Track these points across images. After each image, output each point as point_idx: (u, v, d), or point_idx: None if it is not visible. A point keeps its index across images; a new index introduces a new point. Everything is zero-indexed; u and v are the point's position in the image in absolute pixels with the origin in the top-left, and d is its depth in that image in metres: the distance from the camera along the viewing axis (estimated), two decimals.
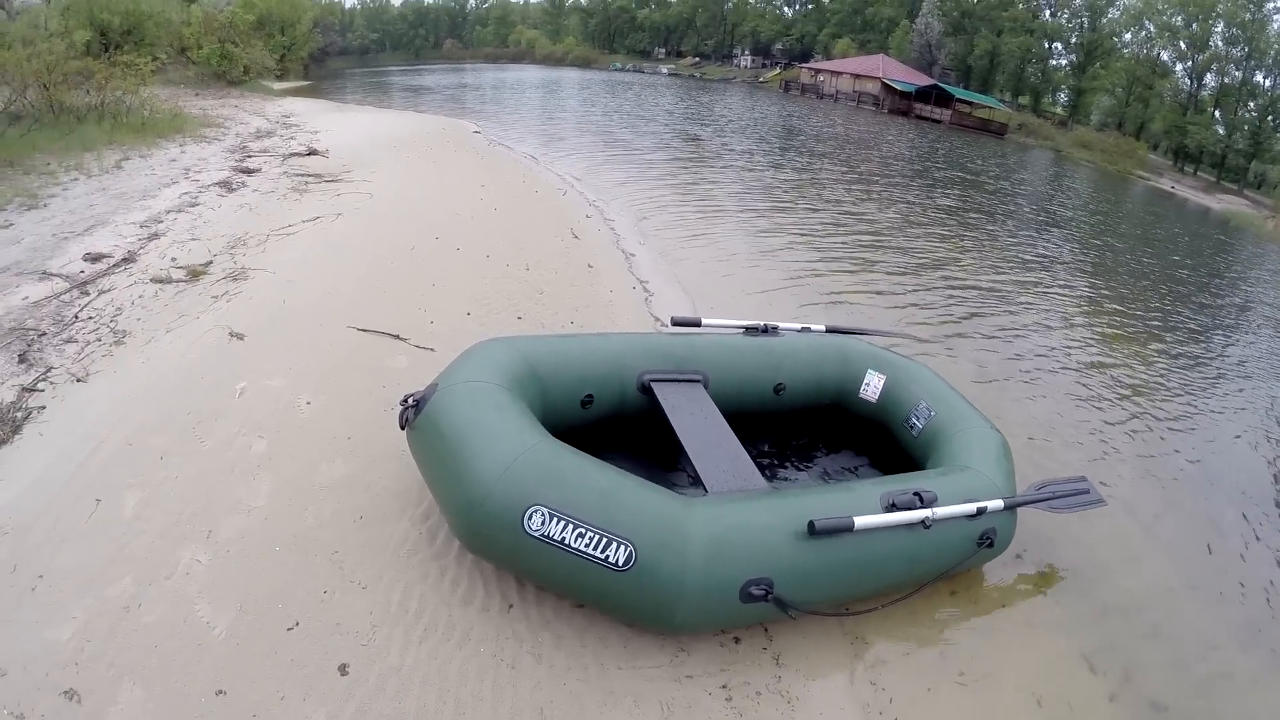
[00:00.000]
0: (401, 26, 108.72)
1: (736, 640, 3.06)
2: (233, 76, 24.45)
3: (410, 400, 3.10)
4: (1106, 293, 11.00)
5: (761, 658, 3.02)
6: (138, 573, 2.81)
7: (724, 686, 2.84)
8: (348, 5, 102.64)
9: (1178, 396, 7.07)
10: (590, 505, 2.62)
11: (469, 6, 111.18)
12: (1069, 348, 7.87)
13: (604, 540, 2.57)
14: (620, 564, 2.57)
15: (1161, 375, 7.59)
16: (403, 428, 3.10)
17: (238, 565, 2.91)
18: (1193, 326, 10.02)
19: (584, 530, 2.58)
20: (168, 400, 3.96)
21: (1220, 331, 10.34)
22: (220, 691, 2.43)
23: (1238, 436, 6.46)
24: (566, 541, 2.57)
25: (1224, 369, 8.44)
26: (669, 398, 3.69)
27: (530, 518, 2.59)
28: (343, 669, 2.56)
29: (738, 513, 2.85)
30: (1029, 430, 5.65)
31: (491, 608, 2.92)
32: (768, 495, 3.07)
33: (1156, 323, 9.69)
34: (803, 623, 3.17)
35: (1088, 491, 4.10)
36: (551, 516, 2.58)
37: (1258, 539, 4.94)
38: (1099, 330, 8.80)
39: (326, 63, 53.93)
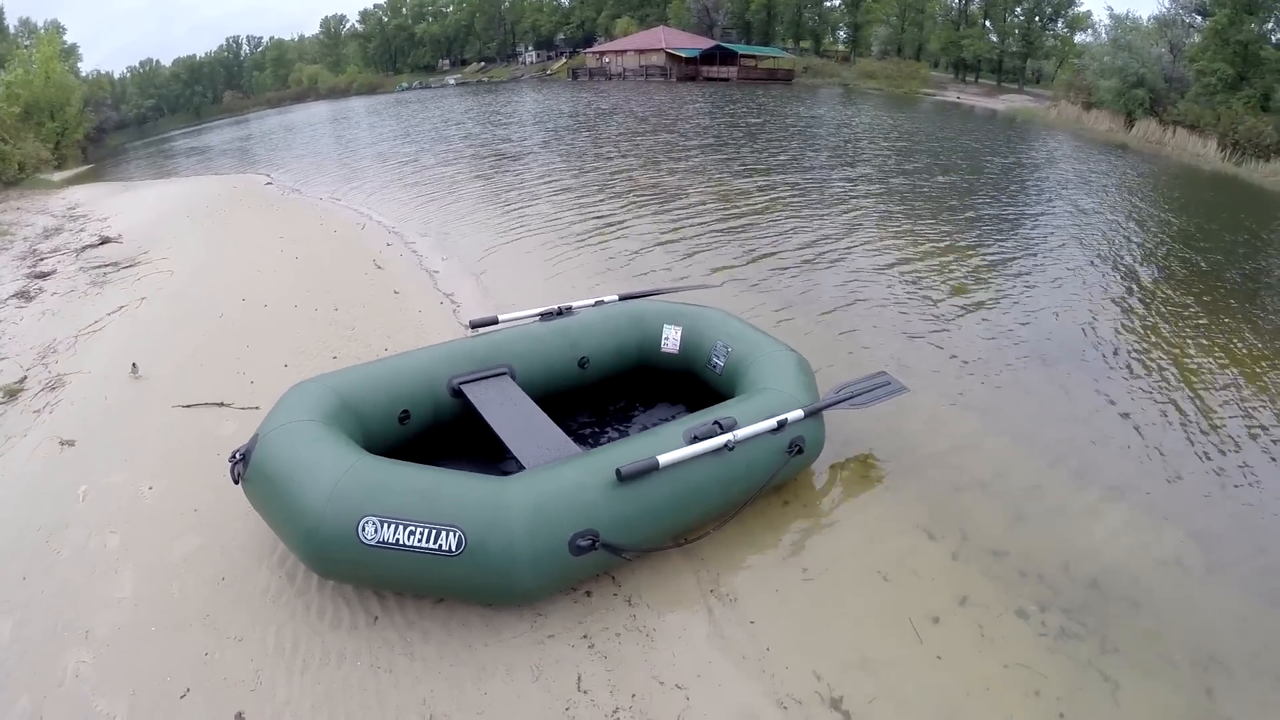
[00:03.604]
0: (176, 87, 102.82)
1: (589, 594, 3.42)
2: (8, 177, 22.70)
3: (237, 455, 3.32)
4: (900, 201, 12.24)
5: (614, 603, 3.39)
6: (31, 690, 2.90)
7: (585, 637, 3.19)
8: (116, 75, 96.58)
9: (976, 278, 8.21)
10: (415, 504, 2.89)
11: (243, 53, 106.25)
12: (867, 260, 8.79)
13: (434, 531, 2.84)
14: (454, 549, 2.84)
15: (958, 264, 8.65)
16: (236, 482, 3.31)
17: (121, 655, 3.05)
18: (989, 215, 11.47)
19: (414, 527, 2.84)
20: (15, 524, 3.95)
21: (1012, 216, 11.74)
22: None
23: (1026, 303, 7.48)
24: (400, 541, 2.83)
25: (1012, 248, 9.69)
26: (479, 395, 4.01)
27: (363, 529, 2.85)
28: (239, 717, 2.78)
29: (553, 478, 3.13)
30: (837, 344, 6.30)
31: (359, 625, 3.19)
32: (579, 456, 3.37)
33: (950, 219, 10.97)
34: (647, 563, 3.55)
35: (889, 383, 4.57)
36: (382, 522, 2.84)
37: (1064, 390, 5.66)
38: (895, 238, 9.83)
39: (105, 141, 50.40)
